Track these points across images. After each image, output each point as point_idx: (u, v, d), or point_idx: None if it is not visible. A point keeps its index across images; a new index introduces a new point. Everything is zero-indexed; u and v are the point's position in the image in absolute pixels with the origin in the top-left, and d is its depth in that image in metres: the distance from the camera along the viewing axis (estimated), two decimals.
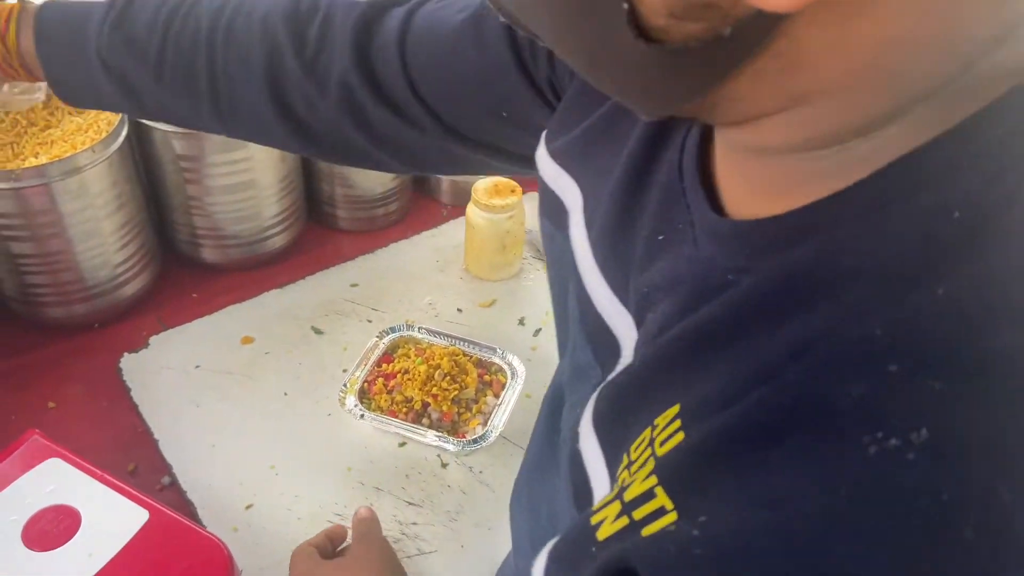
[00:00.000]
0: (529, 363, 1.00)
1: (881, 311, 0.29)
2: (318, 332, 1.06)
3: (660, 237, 0.40)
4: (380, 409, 0.92)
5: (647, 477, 0.33)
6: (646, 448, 0.34)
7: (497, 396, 0.93)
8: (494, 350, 0.98)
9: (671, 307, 0.37)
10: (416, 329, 1.00)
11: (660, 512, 0.31)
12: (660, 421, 0.34)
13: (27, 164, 0.94)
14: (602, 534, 0.33)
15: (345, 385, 0.94)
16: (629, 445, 0.36)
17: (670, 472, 0.32)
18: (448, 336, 0.99)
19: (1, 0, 0.63)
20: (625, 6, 0.29)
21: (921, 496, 0.26)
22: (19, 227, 0.93)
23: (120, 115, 0.98)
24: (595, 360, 0.45)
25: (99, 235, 0.98)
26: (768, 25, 0.28)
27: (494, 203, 1.08)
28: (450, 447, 0.88)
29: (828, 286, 0.30)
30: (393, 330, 1.00)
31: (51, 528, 0.73)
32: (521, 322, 1.10)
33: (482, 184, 1.11)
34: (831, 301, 0.30)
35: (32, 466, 0.77)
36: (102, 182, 0.96)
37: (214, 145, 1.02)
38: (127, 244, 1.03)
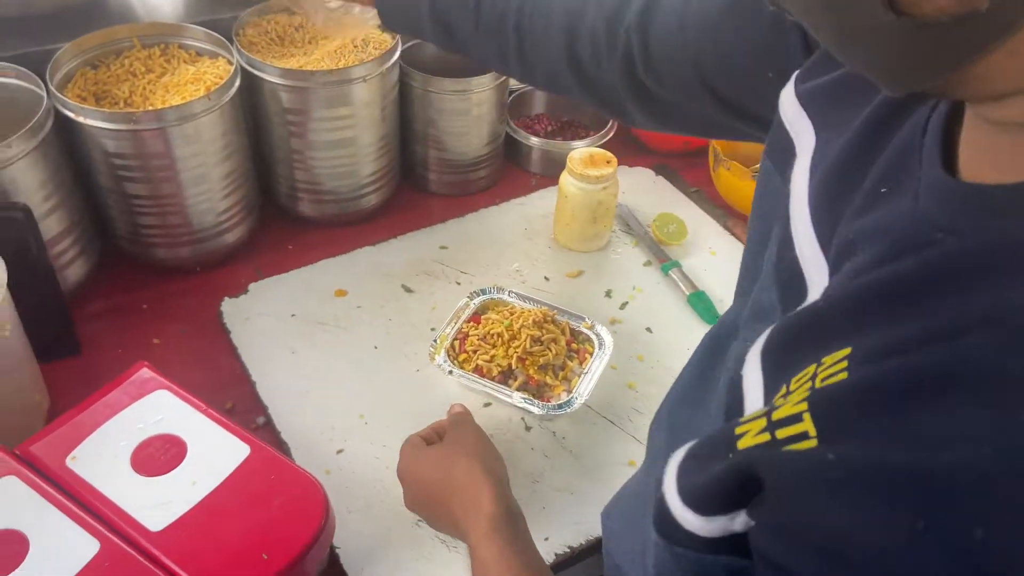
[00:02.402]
0: (615, 335, 0.99)
1: None
2: (408, 290, 1.06)
3: (883, 190, 0.39)
4: (468, 367, 0.92)
5: (798, 403, 0.34)
6: (807, 381, 0.35)
7: (583, 365, 0.92)
8: (582, 319, 0.96)
9: (870, 255, 0.37)
10: (506, 292, 1.00)
11: (802, 436, 0.33)
12: (828, 360, 0.35)
13: (144, 108, 0.96)
14: (742, 444, 0.36)
15: (435, 341, 0.94)
16: (791, 377, 0.37)
17: (822, 403, 0.34)
18: (537, 302, 0.98)
19: None
20: None
21: None
22: (135, 168, 0.95)
23: (234, 66, 0.99)
24: (779, 303, 0.45)
25: (207, 181, 1.00)
26: None
27: (589, 173, 1.06)
28: (535, 410, 0.87)
29: None
30: (484, 292, 1.00)
31: (159, 455, 0.74)
32: (608, 294, 1.08)
33: (578, 154, 1.09)
34: None
35: (142, 396, 0.79)
36: (214, 130, 0.97)
37: (319, 100, 1.02)
38: (231, 193, 1.04)
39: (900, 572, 0.29)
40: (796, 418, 0.34)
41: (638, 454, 0.89)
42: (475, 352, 0.92)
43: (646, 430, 0.90)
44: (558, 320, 0.96)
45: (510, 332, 0.92)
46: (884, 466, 0.30)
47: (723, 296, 1.09)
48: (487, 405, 0.92)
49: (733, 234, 1.19)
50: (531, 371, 0.90)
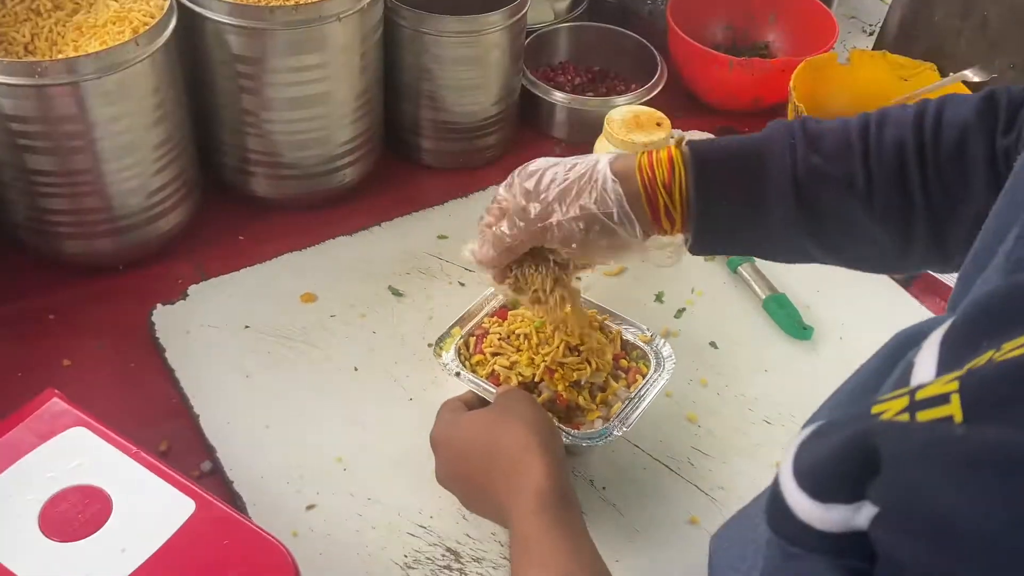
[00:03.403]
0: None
1: None
2: (396, 294, 1.05)
3: None
4: (482, 372, 0.90)
5: (948, 382, 0.38)
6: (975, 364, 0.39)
7: (631, 388, 0.90)
8: (641, 330, 0.94)
9: None
10: None
11: (947, 421, 0.37)
12: (1009, 345, 0.39)
13: (53, 56, 0.95)
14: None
15: (444, 335, 0.92)
16: (967, 363, 0.40)
17: (975, 383, 0.38)
18: (587, 300, 0.95)
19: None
20: None
21: None
22: (37, 135, 0.94)
23: (169, 1, 0.98)
24: None
25: (134, 152, 0.99)
26: None
27: (635, 139, 1.05)
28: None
29: None
30: None
31: (76, 513, 0.73)
32: (659, 299, 1.07)
33: (619, 114, 1.08)
34: None
35: (51, 435, 0.78)
36: (144, 84, 0.96)
37: (280, 45, 1.01)
38: (166, 167, 1.03)
39: (1009, 561, 0.33)
40: (943, 399, 0.37)
41: (703, 509, 0.88)
42: (494, 354, 0.91)
43: (711, 478, 0.90)
44: (608, 327, 0.95)
45: (542, 335, 0.91)
46: (1017, 447, 0.34)
47: (809, 299, 1.08)
48: None
49: None
50: (561, 387, 0.88)
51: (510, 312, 0.94)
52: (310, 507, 0.86)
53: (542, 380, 0.88)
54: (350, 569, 0.81)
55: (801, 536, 0.42)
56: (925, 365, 0.45)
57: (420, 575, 0.82)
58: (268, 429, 0.91)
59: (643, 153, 0.76)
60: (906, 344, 0.57)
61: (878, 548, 0.39)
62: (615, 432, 0.86)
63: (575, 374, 0.88)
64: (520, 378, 0.88)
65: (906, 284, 1.11)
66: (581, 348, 0.89)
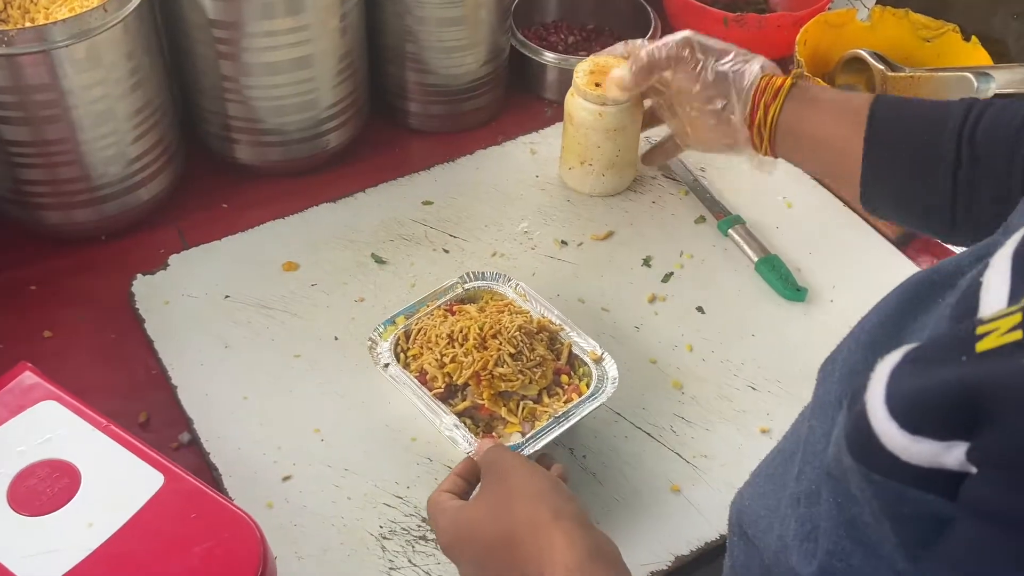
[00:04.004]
0: (639, 330, 0.98)
1: None
2: (379, 261, 1.04)
3: None
4: (413, 368, 0.88)
5: None
6: None
7: (566, 405, 0.86)
8: (593, 347, 0.90)
9: None
10: (513, 284, 0.95)
11: None
12: None
13: (22, 24, 0.94)
14: (983, 345, 0.38)
15: (385, 323, 0.91)
16: None
17: None
18: (546, 307, 0.92)
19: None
20: None
21: None
22: (11, 106, 0.93)
23: None
24: None
25: (111, 120, 0.98)
26: None
27: (599, 92, 1.03)
28: (463, 446, 0.81)
29: None
30: (482, 276, 0.95)
31: (43, 488, 0.73)
32: (646, 262, 1.05)
33: (586, 65, 1.06)
34: None
35: (22, 409, 0.77)
36: (116, 51, 0.95)
37: (257, 6, 1.00)
38: (144, 134, 1.02)
39: None
40: None
41: (683, 476, 0.87)
42: (428, 350, 0.88)
43: (694, 445, 0.89)
44: (560, 338, 0.91)
45: (480, 336, 0.87)
46: None
47: (802, 261, 1.06)
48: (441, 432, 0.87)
49: (815, 178, 1.15)
50: (485, 395, 0.85)
51: (458, 308, 0.92)
52: (286, 478, 0.85)
53: (468, 385, 0.86)
54: (325, 540, 0.81)
55: (886, 466, 0.40)
56: (995, 279, 0.43)
57: (395, 545, 0.81)
58: (246, 400, 0.91)
59: (769, 75, 0.91)
60: (934, 290, 0.56)
61: (978, 504, 0.37)
62: (524, 450, 0.82)
63: (504, 384, 0.85)
64: (447, 379, 0.86)
65: (901, 245, 1.09)
66: (523, 357, 0.86)
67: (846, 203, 1.13)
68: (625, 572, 0.66)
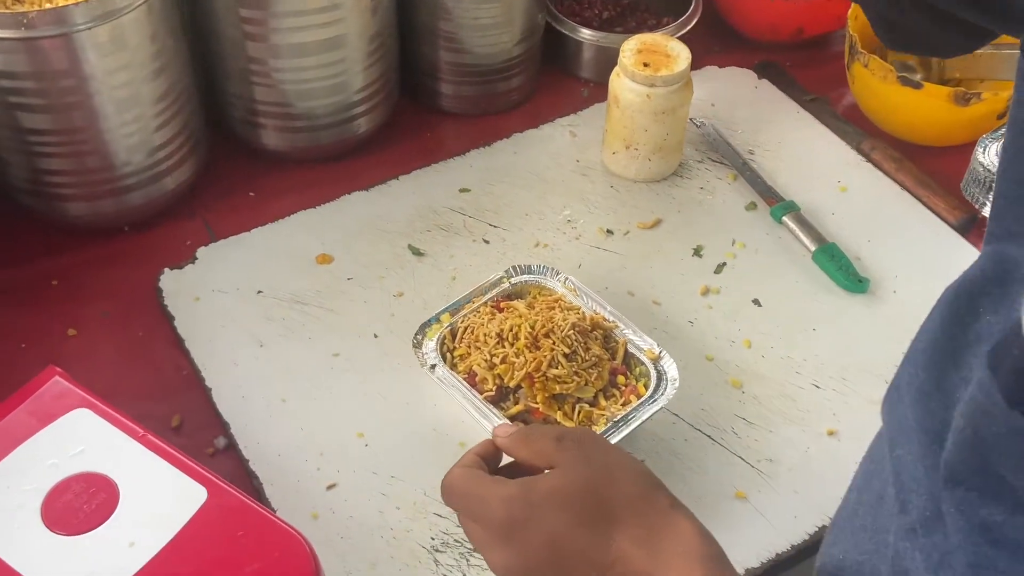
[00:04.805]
0: (693, 325, 0.94)
1: None
2: (417, 253, 1.00)
3: None
4: (461, 369, 0.84)
5: None
6: None
7: (624, 407, 0.82)
8: (652, 344, 0.86)
9: None
10: (560, 278, 0.91)
11: None
12: None
13: (41, 6, 0.90)
14: None
15: (428, 324, 0.87)
16: None
17: None
18: (598, 302, 0.89)
19: None
20: None
21: None
22: (31, 92, 0.90)
23: None
24: None
25: (134, 106, 0.95)
26: None
27: (647, 72, 1.00)
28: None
29: None
30: (529, 270, 0.92)
31: (79, 504, 0.69)
32: (697, 252, 1.01)
33: (633, 44, 1.02)
34: None
35: (53, 418, 0.74)
36: (140, 33, 0.91)
37: None
38: (169, 121, 0.98)
39: None
40: None
41: (749, 482, 0.83)
42: (477, 349, 0.85)
43: (758, 449, 0.85)
44: (614, 336, 0.88)
45: (532, 336, 0.83)
46: None
47: (861, 250, 1.01)
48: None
49: (871, 160, 1.11)
50: (540, 399, 0.82)
51: (506, 304, 0.88)
52: (330, 486, 0.82)
53: (520, 387, 0.83)
54: (374, 553, 0.78)
55: None
56: None
57: (449, 559, 0.78)
58: (285, 403, 0.87)
59: None
60: (973, 301, 0.53)
61: None
62: None
63: (558, 387, 0.82)
64: (498, 381, 0.83)
65: (963, 230, 1.05)
66: (578, 357, 0.83)
67: (903, 186, 1.08)
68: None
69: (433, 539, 0.79)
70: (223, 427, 0.86)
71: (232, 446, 0.84)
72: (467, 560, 0.78)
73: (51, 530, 0.68)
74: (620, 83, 1.02)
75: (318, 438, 0.85)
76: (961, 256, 1.02)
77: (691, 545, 0.59)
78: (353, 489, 0.82)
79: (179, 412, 0.87)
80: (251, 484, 0.81)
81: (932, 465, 0.47)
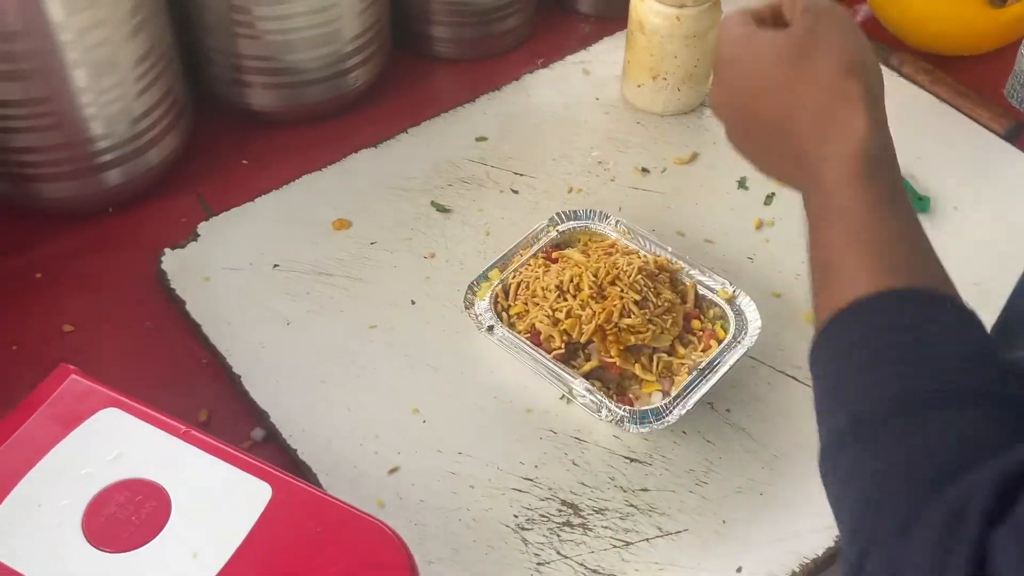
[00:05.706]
0: (753, 261, 0.88)
1: None
2: (442, 210, 0.92)
3: None
4: (521, 327, 0.78)
5: None
6: None
7: (706, 353, 0.77)
8: (723, 283, 0.81)
9: None
10: (611, 221, 0.85)
11: None
12: None
13: None
14: None
15: (478, 280, 0.81)
16: None
17: None
18: (656, 243, 0.83)
19: None
20: None
21: None
22: None
23: None
24: None
25: (112, 70, 0.86)
26: None
27: None
28: (602, 414, 0.73)
29: None
30: (575, 216, 0.86)
31: (126, 516, 0.61)
32: (742, 184, 0.95)
33: None
34: None
35: (78, 421, 0.66)
36: None
37: None
38: (150, 87, 0.89)
39: None
40: None
41: None
42: (536, 305, 0.79)
43: None
44: (681, 278, 0.82)
45: (596, 285, 0.78)
46: None
47: (913, 166, 0.97)
48: (563, 398, 0.78)
49: (903, 75, 1.06)
50: (614, 352, 0.76)
51: (559, 255, 0.82)
52: (393, 470, 0.74)
53: (591, 342, 0.77)
54: (455, 538, 0.70)
55: None
56: None
57: (538, 536, 0.71)
58: (325, 384, 0.79)
59: None
60: None
61: None
62: (668, 418, 0.73)
63: (633, 338, 0.76)
64: (565, 337, 0.77)
65: (1011, 138, 1.00)
66: (649, 304, 0.77)
67: (941, 98, 1.04)
68: (907, 196, 0.56)
69: (516, 516, 0.72)
70: (259, 417, 0.77)
71: (272, 436, 0.76)
72: (557, 536, 0.71)
73: (97, 548, 0.61)
74: (645, 6, 0.95)
75: (369, 419, 0.77)
76: (1014, 164, 0.98)
77: (860, 139, 0.55)
78: (418, 471, 0.74)
79: (205, 406, 0.79)
80: (303, 476, 0.73)
81: None
